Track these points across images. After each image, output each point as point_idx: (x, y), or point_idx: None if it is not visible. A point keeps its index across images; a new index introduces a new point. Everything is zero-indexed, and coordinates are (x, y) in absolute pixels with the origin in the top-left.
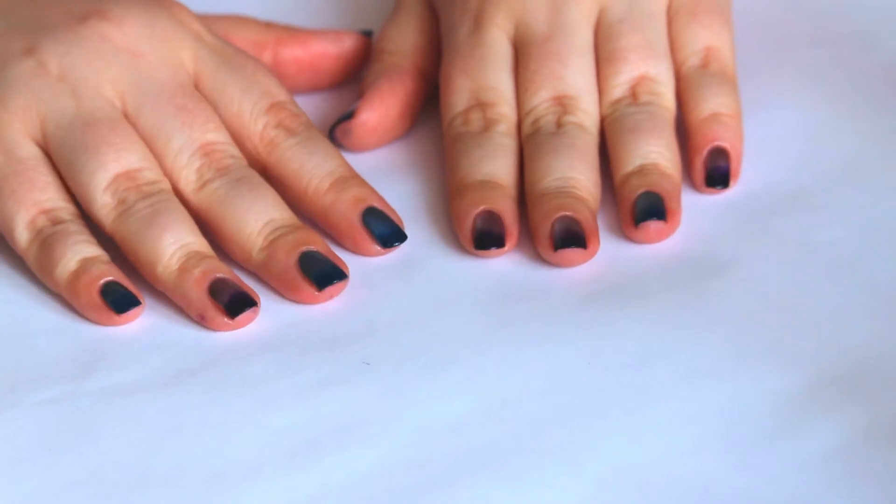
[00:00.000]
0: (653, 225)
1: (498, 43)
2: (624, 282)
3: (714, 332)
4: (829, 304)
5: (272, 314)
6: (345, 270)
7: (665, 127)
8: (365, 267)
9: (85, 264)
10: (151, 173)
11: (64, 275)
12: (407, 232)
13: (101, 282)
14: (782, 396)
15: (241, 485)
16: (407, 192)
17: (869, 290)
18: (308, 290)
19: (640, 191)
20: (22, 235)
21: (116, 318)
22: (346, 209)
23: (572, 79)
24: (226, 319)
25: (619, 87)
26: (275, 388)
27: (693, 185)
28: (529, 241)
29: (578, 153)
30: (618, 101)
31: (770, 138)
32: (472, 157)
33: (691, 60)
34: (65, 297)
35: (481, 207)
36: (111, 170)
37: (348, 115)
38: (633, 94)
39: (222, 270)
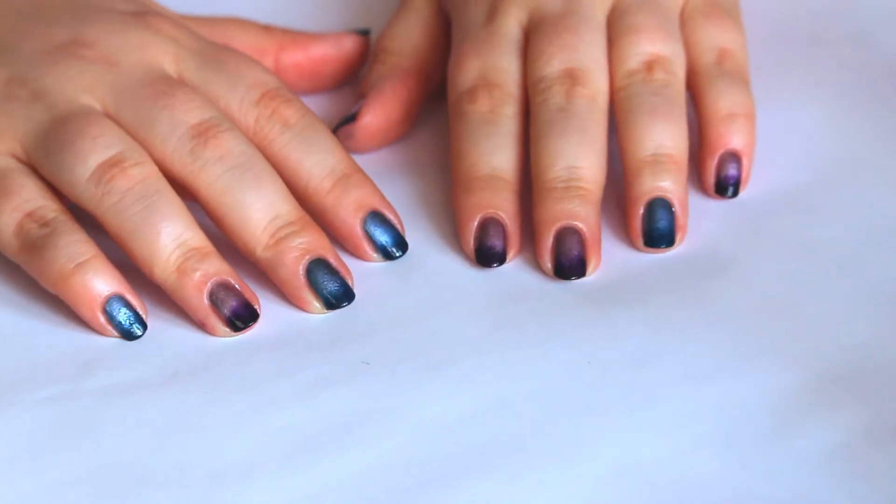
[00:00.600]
0: (661, 249)
1: (511, 31)
2: (623, 281)
3: (714, 331)
4: (830, 302)
5: (272, 314)
6: (352, 289)
7: (679, 112)
8: (364, 266)
9: (81, 270)
10: (135, 155)
11: (60, 280)
12: (406, 231)
13: (103, 299)
14: (783, 395)
15: (241, 484)
16: (407, 191)
17: (869, 289)
18: (314, 305)
19: (653, 196)
20: (11, 242)
21: (121, 337)
22: (348, 215)
23: (585, 51)
24: (227, 330)
25: (634, 57)
26: (274, 387)
27: (701, 186)
28: (528, 241)
29: (588, 137)
30: (633, 73)
31: (770, 137)
32: (480, 147)
33: (707, 56)
34: (65, 302)
35: (486, 213)
36: (91, 161)
37: (351, 118)
38: (649, 69)
39: (223, 272)
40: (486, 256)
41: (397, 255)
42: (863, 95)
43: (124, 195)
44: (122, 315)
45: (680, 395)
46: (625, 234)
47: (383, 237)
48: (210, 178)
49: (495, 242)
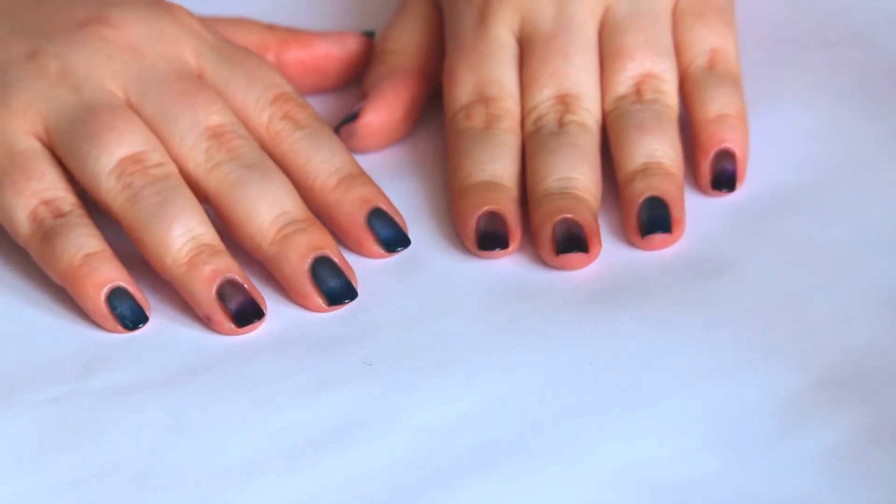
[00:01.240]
0: (658, 237)
1: (503, 38)
2: (625, 282)
3: (716, 332)
4: (832, 303)
5: (274, 314)
6: (356, 287)
7: (669, 125)
8: (366, 266)
9: (89, 261)
10: (157, 155)
11: (68, 270)
12: (409, 231)
13: (107, 288)
14: (785, 396)
15: (242, 484)
16: (409, 191)
17: (871, 290)
18: (317, 302)
19: (646, 195)
20: (23, 226)
21: (121, 329)
22: (352, 209)
23: (575, 77)
24: (232, 326)
25: (623, 83)
26: (276, 387)
27: (698, 186)
28: (529, 242)
29: (580, 153)
30: (622, 98)
31: (771, 138)
32: (475, 157)
33: (698, 61)
34: (69, 292)
35: (484, 208)
36: (115, 154)
37: (352, 117)
38: (638, 91)
39: (232, 269)
40: (489, 240)
41: (398, 249)
42: (864, 96)
43: (142, 189)
44: (125, 306)
45: (682, 395)
46: (625, 236)
47: (386, 232)
48: (220, 175)
49: (497, 228)
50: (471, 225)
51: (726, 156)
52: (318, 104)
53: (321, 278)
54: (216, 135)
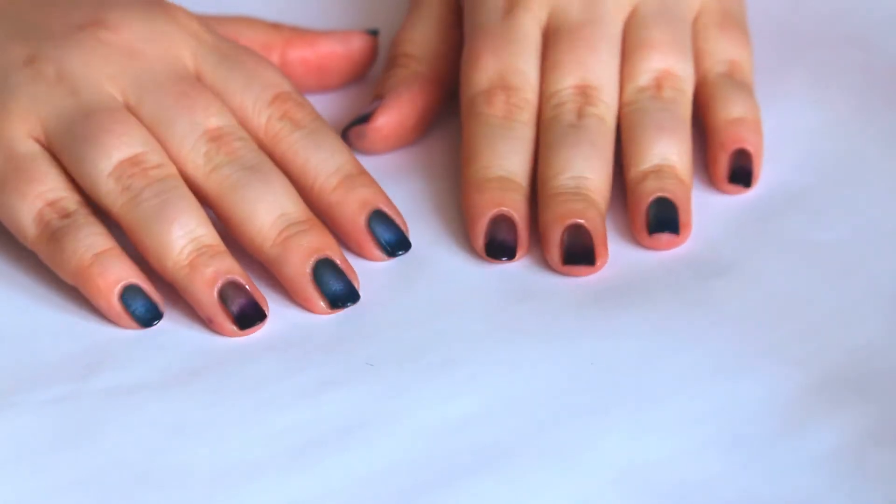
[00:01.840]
0: (665, 237)
1: (529, 29)
2: (627, 282)
3: (717, 332)
4: (833, 304)
5: (276, 315)
6: (358, 289)
7: (685, 130)
8: (368, 267)
9: (99, 260)
10: (155, 156)
11: (79, 270)
12: (411, 231)
13: (120, 287)
14: (786, 396)
15: (244, 485)
16: (411, 191)
17: (872, 290)
18: (319, 305)
19: (655, 195)
20: (30, 229)
21: (136, 325)
22: (353, 212)
23: (599, 69)
24: (234, 328)
25: (645, 74)
26: (278, 388)
27: (713, 181)
28: (533, 243)
29: (596, 150)
30: (642, 90)
31: (773, 139)
32: (494, 149)
33: (718, 68)
34: (81, 292)
35: (496, 210)
36: (114, 157)
37: (364, 118)
38: (658, 86)
39: (234, 271)
40: (497, 250)
41: (399, 253)
42: (865, 97)
43: (142, 191)
44: (139, 303)
45: (683, 395)
46: (629, 236)
47: (386, 234)
48: (219, 177)
49: (506, 237)
50: (481, 226)
51: (744, 154)
52: (322, 103)
53: (323, 281)
54: (215, 137)
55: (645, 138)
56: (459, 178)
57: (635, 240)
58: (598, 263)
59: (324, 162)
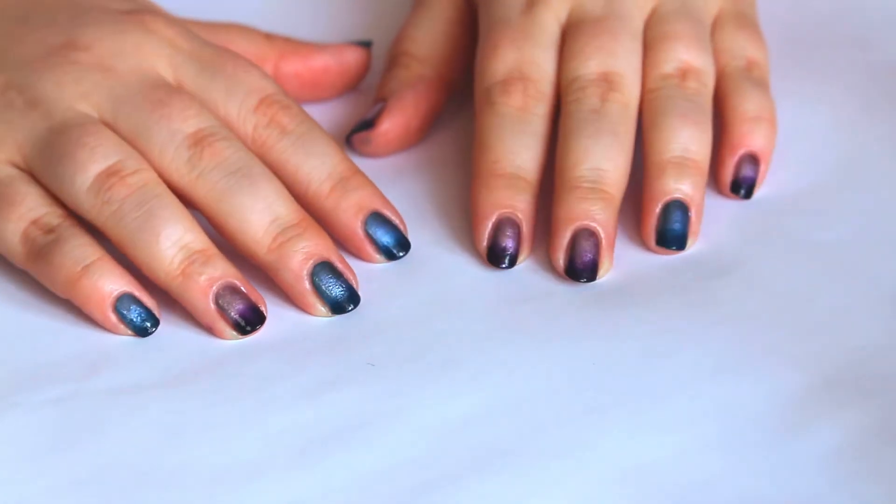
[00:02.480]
0: (671, 251)
1: (549, 24)
2: (628, 282)
3: (718, 332)
4: (834, 304)
5: (276, 315)
6: (358, 292)
7: (707, 122)
8: (369, 267)
9: (88, 273)
10: (132, 163)
11: (69, 284)
12: (411, 232)
13: (113, 298)
14: (787, 396)
15: (246, 485)
16: (410, 191)
17: (873, 291)
18: (320, 310)
19: (672, 197)
20: (17, 250)
21: (134, 335)
22: (349, 218)
23: (623, 57)
24: (234, 333)
25: (669, 63)
26: (279, 388)
27: (716, 182)
28: (537, 243)
29: (618, 141)
30: (667, 77)
31: (777, 139)
32: (507, 144)
33: (736, 62)
34: (77, 306)
35: (502, 213)
36: (90, 171)
37: (367, 124)
38: (683, 76)
39: (228, 274)
40: (499, 256)
41: (400, 255)
42: (867, 97)
43: (123, 202)
44: (134, 312)
45: (684, 395)
46: (633, 236)
47: (385, 237)
48: (207, 185)
49: (509, 243)
50: (485, 226)
51: (751, 160)
52: (315, 112)
53: (323, 287)
54: (197, 141)
55: (669, 125)
56: (462, 176)
57: (640, 237)
58: (601, 274)
59: (315, 169)
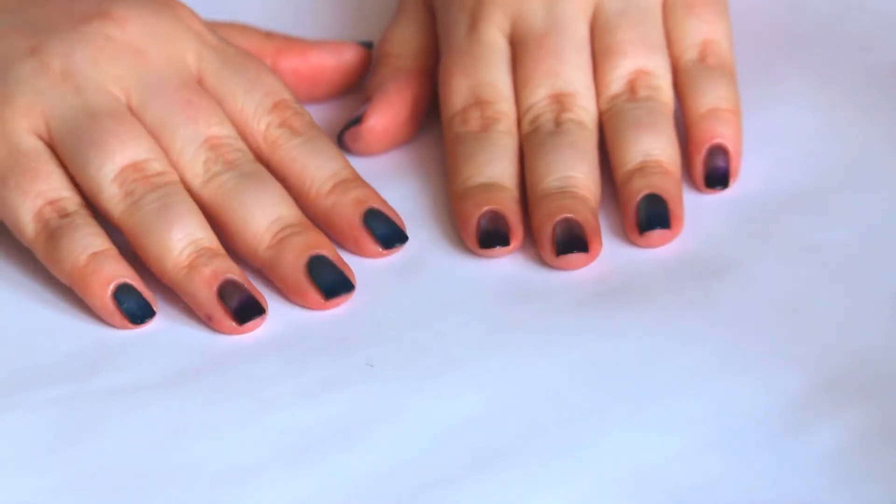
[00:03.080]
0: (657, 233)
1: (495, 41)
2: (626, 283)
3: (716, 333)
4: (832, 305)
5: (276, 315)
6: (352, 280)
7: (665, 122)
8: (368, 268)
9: (95, 260)
10: (158, 164)
11: (74, 270)
12: (410, 233)
13: (114, 285)
14: (786, 398)
15: (245, 485)
16: (409, 193)
17: (872, 292)
18: (315, 297)
19: (644, 193)
20: (28, 227)
21: (129, 324)
22: (348, 211)
23: (570, 76)
24: (233, 324)
25: (616, 81)
26: (278, 388)
27: (692, 183)
28: (530, 242)
29: (579, 151)
30: (616, 96)
31: (772, 139)
32: (474, 160)
33: (689, 54)
34: (76, 291)
35: (485, 208)
36: (118, 161)
37: (356, 121)
38: (632, 89)
39: (233, 271)
40: (491, 238)
41: (396, 244)
42: (865, 97)
43: (143, 196)
44: (131, 301)
45: (683, 397)
46: (625, 236)
47: (383, 228)
48: (216, 184)
49: (498, 226)
50: (472, 225)
51: (719, 151)
52: (316, 112)
53: (317, 274)
54: (215, 146)
55: (625, 138)
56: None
57: (630, 242)
58: (592, 250)
59: (320, 168)
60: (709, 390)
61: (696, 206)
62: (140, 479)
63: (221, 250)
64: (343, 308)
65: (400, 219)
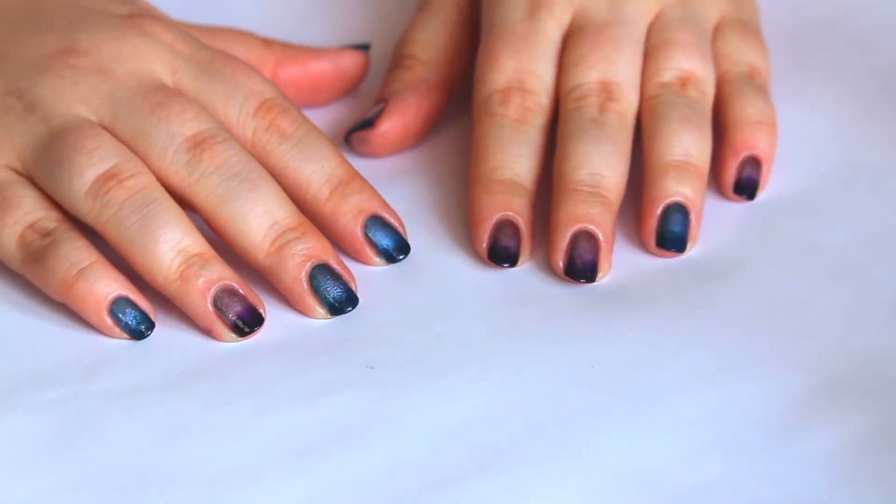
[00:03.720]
0: (670, 253)
1: (551, 33)
2: (628, 285)
3: (718, 335)
4: (834, 307)
5: (275, 318)
6: (356, 292)
7: (708, 127)
8: (368, 270)
9: (84, 276)
10: (130, 166)
11: (64, 287)
12: (411, 235)
13: (109, 301)
14: (786, 399)
15: (245, 487)
16: (410, 194)
17: (873, 294)
18: (318, 311)
19: (673, 199)
20: (14, 254)
21: (129, 338)
22: (348, 222)
23: (623, 66)
24: (233, 336)
25: (670, 71)
26: (278, 391)
27: (719, 186)
28: (535, 244)
29: (617, 149)
30: (666, 85)
31: (777, 142)
32: (505, 152)
33: (738, 68)
34: (72, 309)
35: (502, 214)
36: (87, 174)
37: (367, 123)
38: (683, 84)
39: (226, 277)
40: (500, 256)
41: (399, 258)
42: (868, 100)
43: (122, 206)
44: (129, 315)
45: (684, 399)
46: (632, 238)
47: (385, 241)
48: (207, 189)
49: (510, 243)
50: (485, 229)
51: (753, 163)
52: (314, 114)
53: (321, 289)
54: (196, 144)
55: (670, 129)
56: (462, 179)
57: (640, 240)
58: (599, 278)
59: (315, 173)
60: (709, 392)
61: None
62: (140, 481)
63: (212, 253)
64: None
65: (401, 223)
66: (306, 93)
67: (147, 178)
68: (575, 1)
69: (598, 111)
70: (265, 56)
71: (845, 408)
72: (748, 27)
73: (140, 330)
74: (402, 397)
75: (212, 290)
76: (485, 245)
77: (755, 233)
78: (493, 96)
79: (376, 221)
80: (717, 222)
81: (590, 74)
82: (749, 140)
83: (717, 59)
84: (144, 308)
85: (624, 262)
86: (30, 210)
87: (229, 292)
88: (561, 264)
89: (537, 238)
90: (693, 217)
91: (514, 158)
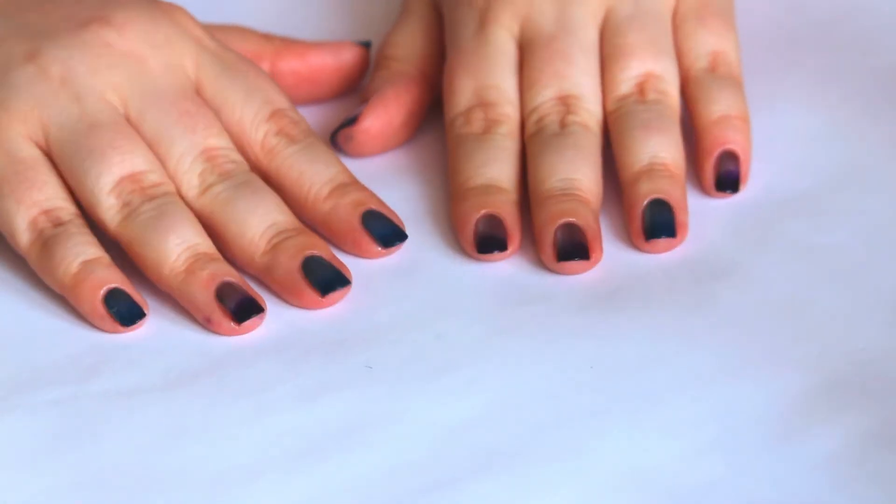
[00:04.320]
0: (663, 241)
1: (503, 43)
2: (626, 285)
3: (717, 335)
4: (833, 307)
5: (275, 317)
6: (348, 276)
7: (673, 126)
8: (367, 270)
9: (86, 267)
10: (155, 176)
11: (66, 278)
12: (409, 236)
13: (104, 289)
14: (786, 400)
15: (244, 487)
16: (408, 195)
17: (872, 294)
18: (311, 295)
19: (650, 198)
20: (23, 236)
21: (120, 328)
22: (346, 213)
23: (577, 78)
24: (232, 324)
25: (626, 82)
26: (277, 391)
27: (701, 188)
28: (530, 245)
29: (582, 153)
30: (625, 97)
31: (773, 142)
32: (474, 160)
33: (699, 63)
34: (68, 299)
35: (483, 211)
36: (115, 173)
37: (351, 121)
38: (641, 91)
39: (230, 274)
40: (487, 243)
41: (396, 243)
42: (866, 100)
43: (139, 206)
44: (122, 305)
45: (683, 399)
46: (628, 239)
47: (381, 229)
48: (212, 195)
49: (494, 231)
50: (469, 228)
51: (730, 157)
52: (314, 114)
53: (312, 272)
54: (210, 158)
55: (632, 139)
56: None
57: (633, 245)
58: (593, 258)
59: (317, 173)
60: (709, 392)
61: (696, 209)
62: (139, 481)
63: (218, 255)
64: (342, 310)
65: (399, 219)
66: (305, 84)
67: (168, 189)
68: (521, 10)
69: (559, 126)
70: (264, 48)
71: (845, 408)
72: (708, 8)
73: (129, 316)
74: (401, 397)
75: (216, 282)
76: (471, 241)
77: (755, 233)
78: (457, 119)
79: (373, 213)
80: (715, 223)
81: (545, 93)
82: (719, 138)
83: (678, 52)
84: (138, 301)
85: (623, 263)
86: (50, 196)
87: (232, 286)
88: (551, 254)
89: (529, 238)
90: (675, 206)
91: (483, 164)
